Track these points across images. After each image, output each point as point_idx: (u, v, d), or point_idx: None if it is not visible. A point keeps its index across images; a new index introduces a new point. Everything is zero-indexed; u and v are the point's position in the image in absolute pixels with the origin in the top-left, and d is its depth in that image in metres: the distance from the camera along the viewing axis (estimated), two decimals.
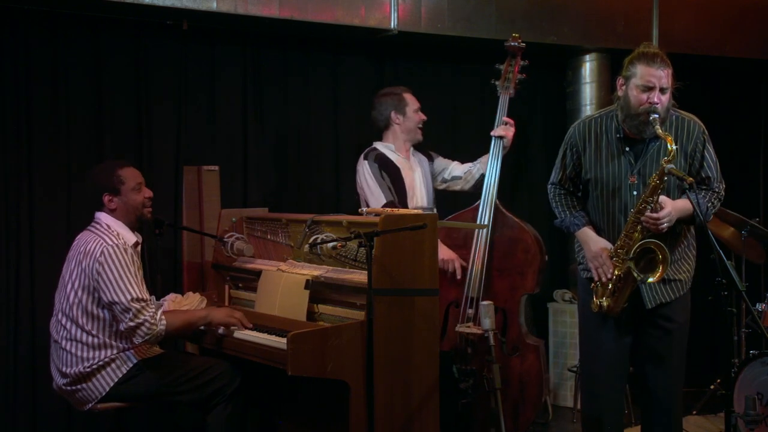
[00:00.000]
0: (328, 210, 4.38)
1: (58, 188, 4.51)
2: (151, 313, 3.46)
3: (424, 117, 4.51)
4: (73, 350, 3.54)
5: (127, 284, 3.43)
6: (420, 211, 4.24)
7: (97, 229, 3.60)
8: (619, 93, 3.46)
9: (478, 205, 4.35)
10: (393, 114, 4.45)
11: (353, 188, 4.55)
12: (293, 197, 5.13)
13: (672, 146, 3.27)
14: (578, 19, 5.42)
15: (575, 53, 5.67)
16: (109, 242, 3.50)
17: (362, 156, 4.42)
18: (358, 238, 3.27)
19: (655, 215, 3.35)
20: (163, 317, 3.49)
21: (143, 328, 3.43)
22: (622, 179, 3.51)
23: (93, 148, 4.59)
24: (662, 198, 3.38)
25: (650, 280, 3.41)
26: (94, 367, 3.53)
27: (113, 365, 3.55)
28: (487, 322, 3.76)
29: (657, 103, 3.33)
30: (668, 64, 3.37)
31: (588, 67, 5.66)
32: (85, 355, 3.53)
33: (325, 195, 5.20)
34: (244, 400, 3.75)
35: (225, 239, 4.20)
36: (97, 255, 3.47)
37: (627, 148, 3.49)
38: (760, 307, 4.56)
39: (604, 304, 3.52)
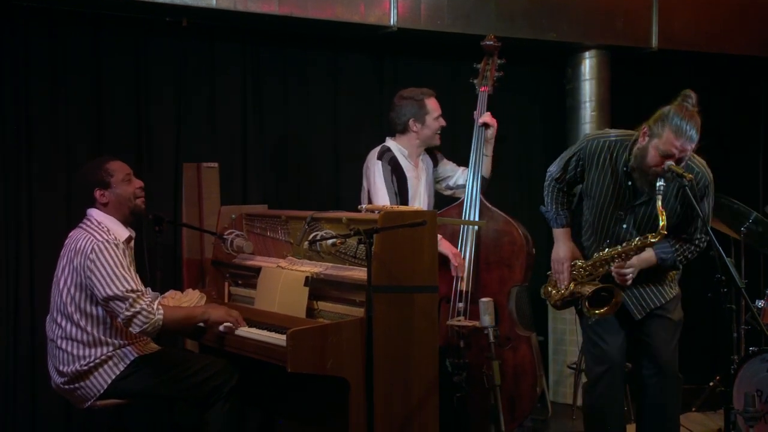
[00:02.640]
0: (328, 207, 4.37)
1: (57, 186, 4.51)
2: (148, 302, 3.45)
3: (443, 123, 4.41)
4: (69, 349, 3.53)
5: (120, 277, 3.42)
6: (420, 208, 4.25)
7: (88, 225, 3.58)
8: (640, 140, 3.39)
9: (463, 200, 4.35)
10: (411, 121, 4.34)
11: (353, 185, 4.54)
12: (293, 194, 5.13)
13: (662, 223, 3.27)
14: (578, 16, 5.41)
15: (575, 50, 5.67)
16: (99, 238, 3.48)
17: (376, 154, 4.33)
18: (358, 235, 3.26)
19: (622, 271, 3.46)
20: (160, 307, 3.48)
21: (140, 317, 3.42)
22: (615, 209, 3.53)
23: (92, 146, 4.59)
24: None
25: (596, 313, 3.52)
26: (91, 365, 3.52)
27: (110, 362, 3.55)
28: (487, 318, 3.76)
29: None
30: (697, 133, 3.28)
31: (588, 64, 5.65)
32: (81, 353, 3.53)
33: (324, 192, 5.20)
34: (241, 397, 3.75)
35: (224, 236, 4.20)
36: (88, 252, 3.45)
37: (629, 183, 3.49)
38: (759, 303, 4.57)
39: (551, 295, 3.71)
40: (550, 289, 3.73)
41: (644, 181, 3.39)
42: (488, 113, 4.39)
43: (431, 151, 4.54)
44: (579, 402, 5.08)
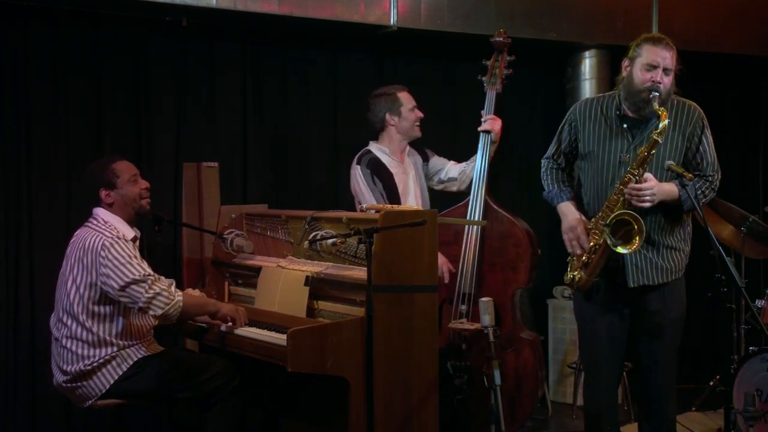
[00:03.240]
0: (328, 206, 4.37)
1: (57, 186, 4.51)
2: (167, 285, 3.49)
3: (420, 114, 4.43)
4: (74, 348, 3.54)
5: (136, 264, 3.45)
6: (420, 208, 4.25)
7: (95, 224, 3.59)
8: (624, 74, 3.51)
9: (468, 201, 4.33)
10: (388, 116, 4.37)
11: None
12: (293, 194, 5.14)
13: (664, 121, 3.30)
14: (578, 15, 5.42)
15: (575, 50, 5.67)
16: (108, 235, 3.50)
17: (356, 159, 4.35)
18: (358, 235, 3.26)
19: (638, 186, 3.37)
20: (178, 290, 3.52)
21: (161, 297, 3.44)
22: (617, 156, 3.52)
23: (92, 145, 4.59)
24: (647, 175, 3.40)
25: (624, 250, 3.39)
26: (95, 365, 3.53)
27: (113, 363, 3.55)
28: (487, 318, 3.74)
29: (659, 83, 3.37)
30: (673, 47, 3.44)
31: (587, 64, 5.66)
32: (85, 353, 3.53)
33: (324, 191, 5.20)
34: (243, 397, 3.75)
35: (224, 236, 4.20)
36: (98, 249, 3.47)
37: (625, 126, 3.52)
38: (759, 303, 4.56)
39: (577, 277, 3.55)
40: (574, 274, 3.56)
41: (638, 105, 3.44)
42: (491, 118, 4.35)
43: (421, 149, 4.54)
44: (579, 402, 5.09)
